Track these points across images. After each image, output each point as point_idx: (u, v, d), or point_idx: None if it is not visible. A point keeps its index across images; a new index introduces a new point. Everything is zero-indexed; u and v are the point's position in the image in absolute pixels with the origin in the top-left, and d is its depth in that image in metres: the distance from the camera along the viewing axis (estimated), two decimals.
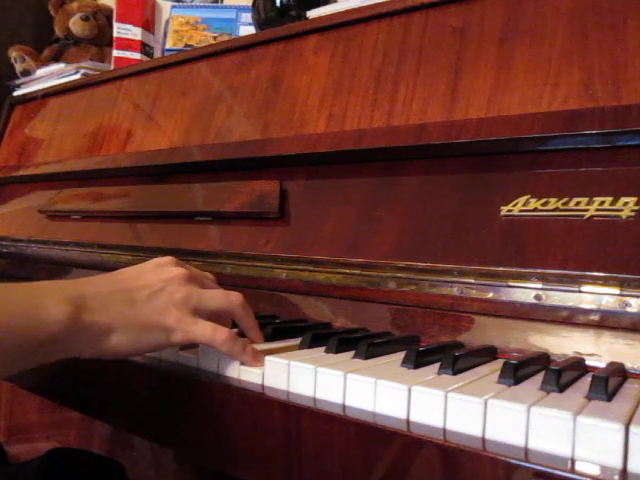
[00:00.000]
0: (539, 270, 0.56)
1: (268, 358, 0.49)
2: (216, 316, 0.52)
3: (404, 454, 0.39)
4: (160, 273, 0.51)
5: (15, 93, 1.55)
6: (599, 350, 0.53)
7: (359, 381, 0.44)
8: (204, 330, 0.49)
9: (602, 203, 0.55)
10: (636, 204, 0.54)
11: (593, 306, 0.53)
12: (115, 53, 1.45)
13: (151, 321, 0.48)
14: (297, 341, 0.56)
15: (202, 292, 0.51)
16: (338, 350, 0.53)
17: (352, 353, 0.52)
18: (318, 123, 0.82)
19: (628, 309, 0.52)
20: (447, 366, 0.46)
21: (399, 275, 0.65)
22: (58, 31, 1.68)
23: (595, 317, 0.53)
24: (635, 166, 0.56)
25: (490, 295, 0.59)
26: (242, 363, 0.50)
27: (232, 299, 0.53)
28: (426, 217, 0.66)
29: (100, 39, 1.64)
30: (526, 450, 0.36)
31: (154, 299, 0.49)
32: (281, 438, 0.45)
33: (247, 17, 1.28)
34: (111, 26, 1.51)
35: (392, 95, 0.76)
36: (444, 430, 0.39)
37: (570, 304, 0.54)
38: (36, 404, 1.35)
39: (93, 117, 1.25)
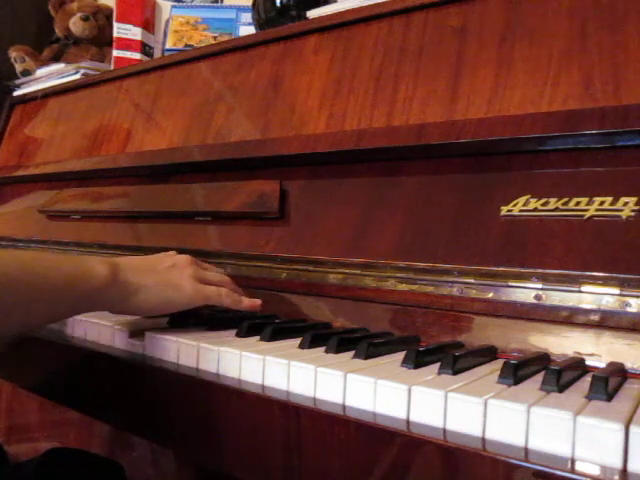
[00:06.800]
0: (539, 270, 0.56)
1: (268, 358, 0.49)
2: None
3: (404, 454, 0.39)
4: (171, 257, 0.64)
5: (15, 93, 1.55)
6: (599, 350, 0.53)
7: (359, 381, 0.44)
8: (210, 290, 0.62)
9: (602, 203, 0.55)
10: (636, 204, 0.54)
11: (593, 306, 0.53)
12: (115, 53, 1.45)
13: (171, 283, 0.60)
14: (297, 341, 0.56)
15: (204, 270, 0.66)
16: (338, 350, 0.53)
17: (352, 353, 0.52)
18: (318, 123, 0.82)
19: (628, 309, 0.52)
20: (447, 366, 0.46)
21: (399, 275, 0.65)
22: (58, 31, 1.68)
23: (595, 317, 0.53)
24: (635, 166, 0.56)
25: (490, 295, 0.59)
26: (244, 308, 0.65)
27: (225, 277, 0.68)
28: (426, 217, 0.66)
29: (100, 39, 1.64)
30: (526, 450, 0.36)
31: (171, 271, 0.61)
32: (281, 438, 0.45)
33: (247, 17, 1.28)
34: (111, 26, 1.51)
35: (392, 95, 0.76)
36: (444, 430, 0.39)
37: (570, 304, 0.54)
38: (36, 404, 1.35)
39: (93, 117, 1.25)
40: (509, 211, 0.60)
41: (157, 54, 1.49)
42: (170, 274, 0.61)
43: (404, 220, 0.67)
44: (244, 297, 0.66)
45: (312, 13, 0.97)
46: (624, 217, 0.54)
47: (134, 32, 1.44)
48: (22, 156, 1.39)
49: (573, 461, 0.34)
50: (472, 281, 0.60)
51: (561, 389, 0.42)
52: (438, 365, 0.47)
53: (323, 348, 0.54)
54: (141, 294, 0.58)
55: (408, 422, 0.41)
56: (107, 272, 0.55)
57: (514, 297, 0.57)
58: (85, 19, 1.60)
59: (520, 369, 0.45)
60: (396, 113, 0.75)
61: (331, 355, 0.52)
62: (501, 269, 0.58)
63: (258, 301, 0.66)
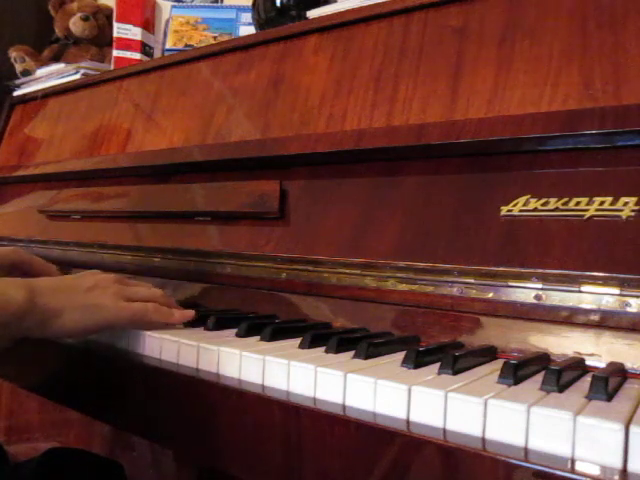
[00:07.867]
0: (539, 270, 0.56)
1: (268, 358, 0.49)
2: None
3: (404, 454, 0.39)
4: (93, 276, 0.61)
5: (15, 93, 1.54)
6: (599, 350, 0.53)
7: (359, 381, 0.44)
8: (135, 307, 0.60)
9: (602, 203, 0.55)
10: (636, 204, 0.54)
11: (593, 306, 0.53)
12: (115, 53, 1.45)
13: (91, 303, 0.57)
14: (297, 341, 0.56)
15: (129, 287, 0.63)
16: (338, 350, 0.53)
17: (352, 353, 0.52)
18: (318, 123, 0.82)
19: (628, 309, 0.52)
20: (447, 366, 0.46)
21: (399, 275, 0.64)
22: (58, 31, 1.68)
23: (595, 317, 0.53)
24: (635, 166, 0.56)
25: (490, 295, 0.59)
26: (176, 322, 0.62)
27: (154, 291, 0.65)
28: (426, 217, 0.66)
29: (100, 39, 1.64)
30: (526, 450, 0.36)
31: (92, 291, 0.59)
32: (281, 438, 0.45)
33: (247, 17, 1.28)
34: (111, 26, 1.51)
35: (392, 95, 0.76)
36: (444, 430, 0.39)
37: (570, 304, 0.54)
38: (36, 404, 1.35)
39: (93, 117, 1.25)
40: (509, 211, 0.60)
41: (157, 54, 1.49)
42: (91, 294, 0.58)
43: (404, 220, 0.67)
44: (176, 310, 0.63)
45: (312, 13, 0.97)
46: (624, 217, 0.54)
47: (134, 32, 1.44)
48: (22, 156, 1.39)
49: (573, 461, 0.34)
50: (472, 281, 0.60)
51: (561, 389, 0.42)
52: (438, 365, 0.47)
53: (323, 348, 0.54)
54: (61, 317, 0.55)
55: (408, 422, 0.41)
56: (23, 297, 0.52)
57: (514, 297, 0.57)
58: (85, 19, 1.60)
59: (520, 369, 0.45)
60: (396, 113, 0.74)
61: (331, 355, 0.52)
62: (501, 269, 0.58)
63: (190, 312, 0.64)
